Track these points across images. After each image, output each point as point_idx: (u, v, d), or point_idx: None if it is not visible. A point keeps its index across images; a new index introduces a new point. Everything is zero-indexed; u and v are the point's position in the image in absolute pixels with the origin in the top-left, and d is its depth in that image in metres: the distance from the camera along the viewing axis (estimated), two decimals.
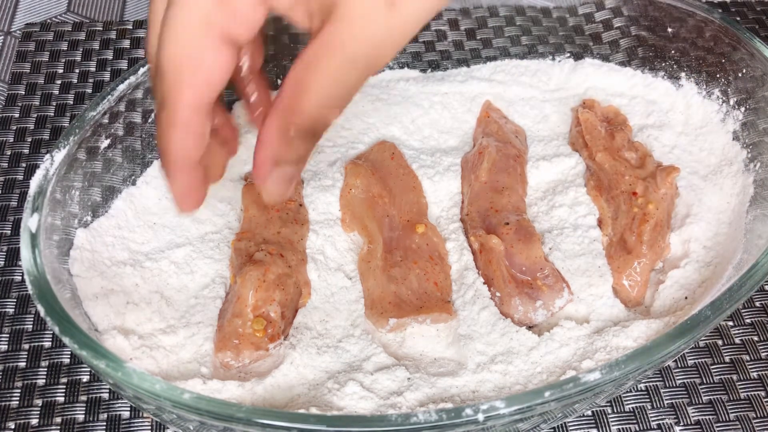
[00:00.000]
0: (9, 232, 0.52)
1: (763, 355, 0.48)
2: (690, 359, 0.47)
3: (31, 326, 0.48)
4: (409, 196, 0.51)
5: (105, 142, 0.47)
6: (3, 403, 0.44)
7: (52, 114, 0.60)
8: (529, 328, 0.45)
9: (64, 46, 0.65)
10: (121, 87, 0.46)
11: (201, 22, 0.30)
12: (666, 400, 0.46)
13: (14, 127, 0.58)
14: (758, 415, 0.45)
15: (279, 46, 0.59)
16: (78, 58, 0.64)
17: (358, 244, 0.49)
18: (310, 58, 0.29)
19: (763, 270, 0.39)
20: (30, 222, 0.39)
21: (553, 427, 0.44)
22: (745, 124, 0.51)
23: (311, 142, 0.32)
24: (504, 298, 0.45)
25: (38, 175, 0.41)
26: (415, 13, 0.29)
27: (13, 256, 0.51)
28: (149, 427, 0.44)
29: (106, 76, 0.62)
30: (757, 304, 0.50)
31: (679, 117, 0.55)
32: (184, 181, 0.34)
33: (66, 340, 0.35)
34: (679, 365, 0.47)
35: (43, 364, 0.46)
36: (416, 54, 0.62)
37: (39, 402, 0.44)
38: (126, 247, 0.46)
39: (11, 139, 0.58)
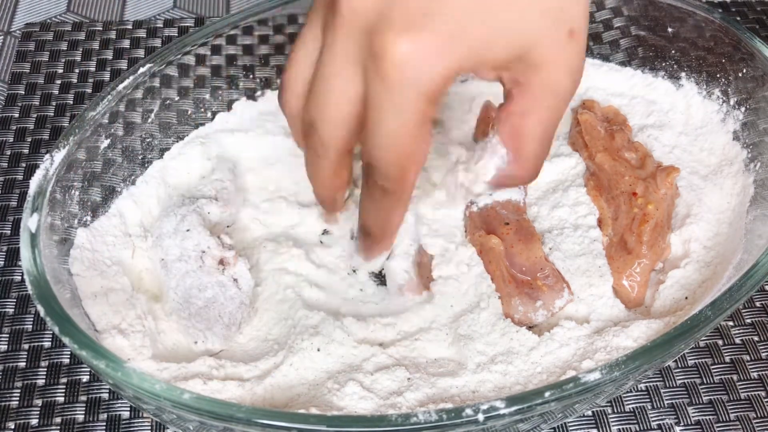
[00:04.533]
0: (9, 232, 0.52)
1: (763, 355, 0.48)
2: (690, 359, 0.47)
3: (30, 326, 0.48)
4: None
5: (105, 142, 0.46)
6: (3, 403, 0.44)
7: (52, 114, 0.60)
8: (529, 328, 0.45)
9: (64, 46, 0.64)
10: (121, 87, 0.46)
11: (418, 122, 0.31)
12: (666, 400, 0.46)
13: (14, 127, 0.58)
14: (758, 415, 0.45)
15: (275, 48, 0.59)
16: (78, 58, 0.64)
17: None
18: (524, 109, 0.33)
19: (763, 270, 0.39)
20: (30, 222, 0.39)
21: (553, 428, 0.44)
22: (746, 124, 0.51)
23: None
24: (504, 298, 0.45)
25: (38, 175, 0.41)
26: (585, 36, 0.33)
27: (13, 256, 0.51)
28: (149, 427, 0.44)
29: (106, 76, 0.62)
30: (758, 304, 0.50)
31: (679, 117, 0.55)
32: (334, 205, 0.40)
33: (66, 340, 0.35)
34: (680, 365, 0.47)
35: (42, 364, 0.46)
36: None
37: (39, 402, 0.44)
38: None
39: (11, 139, 0.58)
